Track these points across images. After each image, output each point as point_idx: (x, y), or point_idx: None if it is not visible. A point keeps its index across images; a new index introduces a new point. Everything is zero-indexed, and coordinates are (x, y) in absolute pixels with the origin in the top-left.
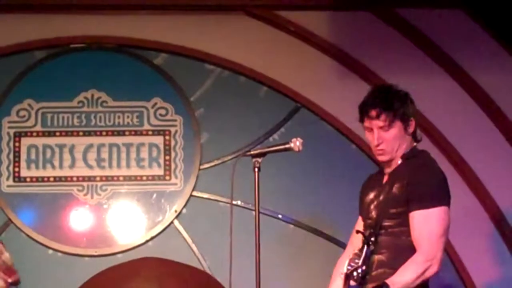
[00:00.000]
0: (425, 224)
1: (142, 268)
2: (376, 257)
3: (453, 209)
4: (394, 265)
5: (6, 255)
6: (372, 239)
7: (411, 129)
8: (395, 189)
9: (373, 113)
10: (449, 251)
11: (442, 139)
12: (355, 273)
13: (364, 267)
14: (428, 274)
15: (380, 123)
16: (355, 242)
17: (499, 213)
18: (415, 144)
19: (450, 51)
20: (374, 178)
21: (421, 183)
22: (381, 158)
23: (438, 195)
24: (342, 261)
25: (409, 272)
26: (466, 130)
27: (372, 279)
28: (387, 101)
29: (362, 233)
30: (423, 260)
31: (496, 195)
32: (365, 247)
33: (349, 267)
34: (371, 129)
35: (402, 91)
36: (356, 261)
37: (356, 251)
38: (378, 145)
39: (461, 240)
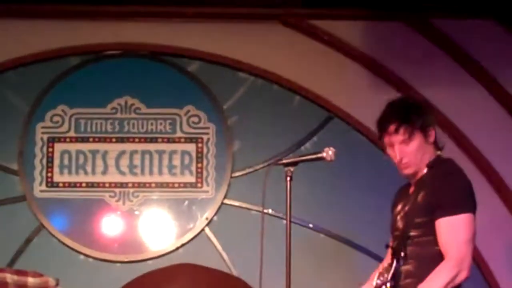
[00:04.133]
0: (452, 231)
1: (178, 275)
2: (404, 267)
3: (481, 217)
4: (421, 275)
5: None
6: (402, 254)
7: (431, 138)
8: (420, 198)
9: (392, 128)
10: (476, 259)
11: (472, 148)
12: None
13: (392, 282)
14: (458, 280)
15: (400, 137)
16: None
17: None
18: (438, 152)
19: (482, 61)
20: (402, 191)
21: (446, 190)
22: (406, 172)
23: (464, 202)
24: (374, 275)
25: (439, 278)
26: (497, 140)
27: None
28: (404, 114)
29: (392, 247)
30: (453, 266)
31: None
32: (395, 261)
33: (378, 281)
34: (391, 145)
35: (418, 101)
36: (385, 275)
37: (386, 265)
38: (401, 160)
39: (489, 247)
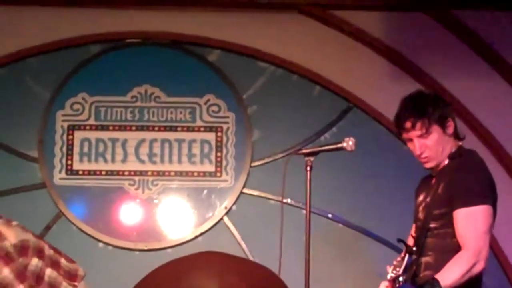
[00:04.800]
0: (469, 221)
1: (203, 263)
2: (423, 259)
3: (500, 208)
4: (440, 267)
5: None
6: (414, 248)
7: (450, 130)
8: (440, 189)
9: (408, 124)
10: (495, 252)
11: (491, 139)
12: (396, 281)
13: (404, 276)
14: (476, 270)
15: (417, 132)
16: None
17: None
18: (460, 143)
19: (502, 52)
20: (424, 181)
21: (465, 181)
22: (428, 166)
23: (482, 193)
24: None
25: (457, 267)
26: None
27: (421, 281)
28: (419, 109)
29: (404, 242)
30: (470, 256)
31: None
32: (407, 255)
33: (392, 275)
34: (411, 140)
35: (432, 94)
36: (398, 269)
37: (399, 258)
38: (421, 154)
39: (508, 240)
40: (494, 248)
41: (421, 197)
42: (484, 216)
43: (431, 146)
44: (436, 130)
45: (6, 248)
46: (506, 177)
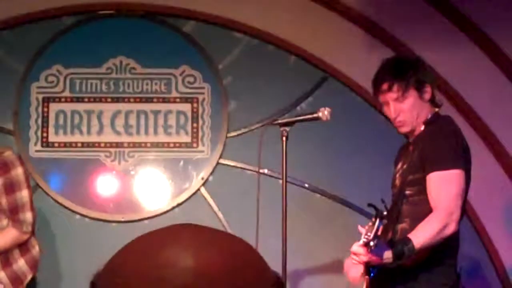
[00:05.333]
0: (442, 184)
1: (180, 235)
2: (400, 226)
3: (477, 178)
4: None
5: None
6: (385, 213)
7: (427, 96)
8: (415, 156)
9: (385, 86)
10: (473, 220)
11: (468, 108)
12: (368, 246)
13: (375, 241)
14: (447, 231)
15: (393, 95)
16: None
17: None
18: (436, 110)
19: (480, 22)
20: (402, 149)
21: (438, 145)
22: (402, 130)
23: (455, 158)
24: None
25: (428, 226)
26: (493, 101)
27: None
28: (397, 71)
29: (374, 206)
30: (442, 217)
31: None
32: (377, 220)
33: (364, 239)
34: (387, 103)
35: (412, 58)
36: (369, 234)
37: (370, 223)
38: (396, 118)
39: (485, 209)
40: (471, 215)
41: (399, 165)
42: (456, 180)
43: (406, 110)
44: (412, 95)
45: None
46: (482, 144)
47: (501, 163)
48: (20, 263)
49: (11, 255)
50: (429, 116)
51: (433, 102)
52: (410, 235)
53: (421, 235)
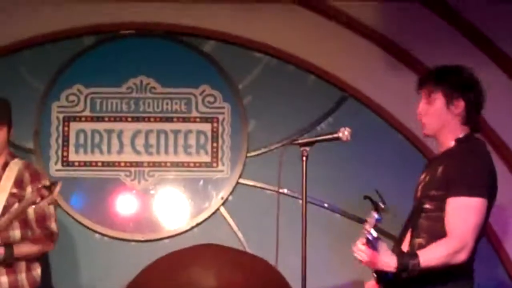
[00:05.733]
0: (462, 211)
1: (200, 256)
2: (417, 240)
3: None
4: None
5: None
6: (381, 205)
7: (456, 109)
8: (440, 171)
9: (419, 80)
10: (492, 241)
11: (487, 126)
12: (368, 242)
13: (371, 236)
14: (456, 259)
15: (423, 92)
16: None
17: None
18: (470, 131)
19: (498, 41)
20: (432, 161)
21: (466, 168)
22: (424, 132)
23: (481, 185)
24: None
25: (439, 249)
26: (511, 117)
27: None
28: (437, 73)
29: (370, 199)
30: (455, 243)
31: None
32: (374, 213)
33: (365, 236)
34: (421, 99)
35: (467, 73)
36: (368, 227)
37: (368, 218)
38: (419, 115)
39: (505, 230)
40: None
41: (422, 176)
42: (478, 209)
43: (430, 113)
44: (439, 99)
45: None
46: (501, 165)
47: None
48: (23, 276)
49: (17, 265)
50: (462, 134)
51: (469, 121)
52: (419, 252)
53: (429, 255)
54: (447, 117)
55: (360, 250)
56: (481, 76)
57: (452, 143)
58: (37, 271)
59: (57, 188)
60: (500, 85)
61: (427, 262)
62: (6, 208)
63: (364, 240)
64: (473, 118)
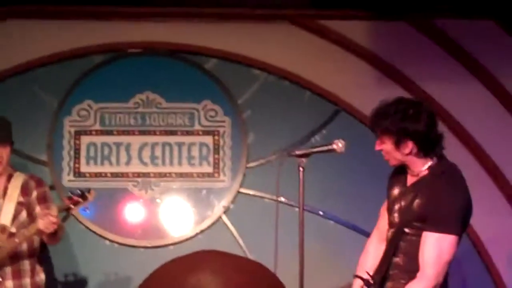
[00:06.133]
0: (436, 247)
1: (205, 261)
2: (395, 259)
3: (481, 205)
4: (407, 268)
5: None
6: (371, 281)
7: (406, 149)
8: (416, 204)
9: (370, 123)
10: (477, 246)
11: (471, 140)
12: None
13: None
14: None
15: (377, 136)
16: (381, 225)
17: None
18: (432, 160)
19: (481, 59)
20: (399, 173)
21: (442, 205)
22: (390, 163)
23: (455, 223)
24: (370, 241)
25: None
26: (494, 132)
27: (389, 278)
28: (379, 116)
29: (361, 278)
30: (430, 283)
31: None
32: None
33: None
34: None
35: (403, 106)
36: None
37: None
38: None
39: (488, 234)
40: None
41: (395, 191)
42: (451, 246)
43: (385, 151)
44: (388, 142)
45: None
46: (486, 177)
47: (500, 189)
48: (28, 281)
49: (23, 271)
50: (432, 162)
51: (427, 152)
52: None
53: None
54: (402, 157)
55: None
56: (464, 90)
57: (424, 171)
58: (41, 276)
59: (93, 194)
60: (484, 101)
61: None
62: (15, 216)
63: None
64: (430, 147)
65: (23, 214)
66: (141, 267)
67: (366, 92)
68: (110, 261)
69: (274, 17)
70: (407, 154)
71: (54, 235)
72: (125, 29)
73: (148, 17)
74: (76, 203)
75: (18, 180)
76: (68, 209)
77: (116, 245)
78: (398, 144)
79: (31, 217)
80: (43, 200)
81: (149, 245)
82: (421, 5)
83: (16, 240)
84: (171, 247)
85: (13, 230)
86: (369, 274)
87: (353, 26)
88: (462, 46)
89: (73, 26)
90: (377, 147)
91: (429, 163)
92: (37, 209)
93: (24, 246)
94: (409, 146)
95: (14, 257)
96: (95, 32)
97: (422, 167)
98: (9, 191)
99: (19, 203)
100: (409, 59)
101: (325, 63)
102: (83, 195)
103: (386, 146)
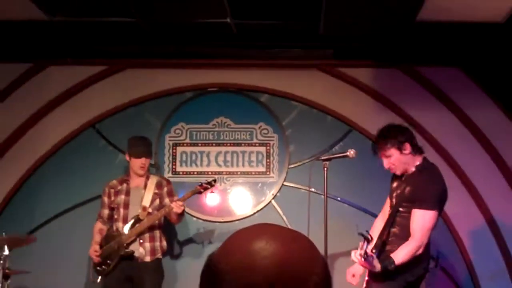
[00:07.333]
0: (421, 220)
1: (264, 230)
2: (392, 229)
3: (454, 207)
4: (401, 235)
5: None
6: (369, 238)
7: (406, 150)
8: (407, 191)
9: (375, 149)
10: (455, 238)
11: (449, 156)
12: (362, 256)
13: (367, 254)
14: (418, 252)
15: (383, 156)
16: (385, 208)
17: (490, 213)
18: (424, 155)
19: (453, 97)
20: (396, 176)
21: (425, 190)
22: (395, 172)
23: (434, 202)
24: (377, 219)
25: (406, 249)
26: (465, 150)
27: (388, 243)
28: (381, 142)
29: (362, 234)
30: (417, 245)
31: (488, 200)
32: (365, 243)
33: (360, 251)
34: (382, 158)
35: (391, 129)
36: (362, 249)
37: (361, 243)
38: (388, 167)
39: (463, 228)
40: (450, 227)
41: (395, 184)
42: (432, 219)
43: (393, 162)
44: (394, 153)
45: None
46: (453, 176)
47: (469, 192)
48: (158, 244)
49: (155, 237)
50: (420, 161)
51: (415, 151)
52: (392, 255)
53: (400, 255)
54: (405, 159)
55: (357, 260)
56: (441, 119)
57: (413, 169)
58: (164, 242)
59: (217, 183)
60: (454, 126)
61: (400, 260)
62: (152, 202)
63: (358, 254)
64: (416, 146)
65: (157, 201)
66: (217, 235)
67: (370, 117)
68: (197, 232)
69: (307, 66)
70: (408, 153)
71: (181, 216)
72: (207, 74)
73: (222, 67)
74: (205, 189)
75: (154, 179)
76: (199, 193)
77: (200, 220)
78: (400, 149)
79: (161, 204)
80: (171, 193)
81: (222, 221)
82: (409, 56)
83: (154, 216)
84: (237, 222)
85: (150, 210)
86: (369, 233)
87: (363, 72)
88: (438, 86)
89: (173, 72)
90: (386, 166)
91: (417, 162)
92: (166, 200)
93: (156, 222)
94: (408, 146)
95: (150, 228)
96: (187, 76)
97: (413, 166)
98: (148, 186)
99: (155, 193)
100: (401, 95)
101: (342, 97)
102: (210, 183)
103: (393, 157)
